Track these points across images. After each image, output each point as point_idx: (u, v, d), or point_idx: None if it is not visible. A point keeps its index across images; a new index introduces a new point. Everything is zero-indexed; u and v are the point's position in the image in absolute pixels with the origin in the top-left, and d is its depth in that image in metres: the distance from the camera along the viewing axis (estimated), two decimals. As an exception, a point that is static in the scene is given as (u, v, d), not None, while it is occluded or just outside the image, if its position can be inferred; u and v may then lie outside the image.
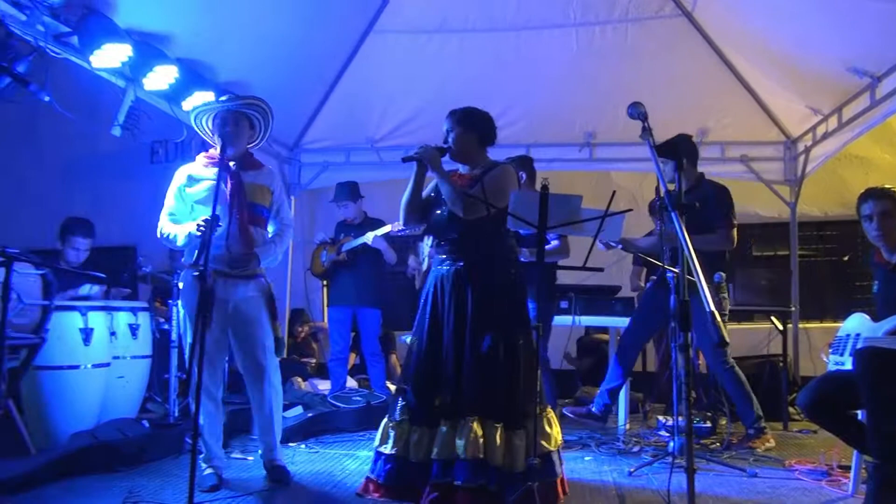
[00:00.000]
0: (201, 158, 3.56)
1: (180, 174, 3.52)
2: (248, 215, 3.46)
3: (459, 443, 2.92)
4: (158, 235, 3.51)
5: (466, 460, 2.88)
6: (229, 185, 3.43)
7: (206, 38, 4.53)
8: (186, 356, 3.46)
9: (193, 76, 4.45)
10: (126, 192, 7.77)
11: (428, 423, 3.03)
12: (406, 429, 3.06)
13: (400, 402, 3.14)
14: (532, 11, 5.45)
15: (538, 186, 3.16)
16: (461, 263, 3.14)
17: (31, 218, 7.30)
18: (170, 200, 3.52)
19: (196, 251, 3.26)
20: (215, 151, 3.48)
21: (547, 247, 4.21)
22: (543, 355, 4.41)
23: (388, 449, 3.05)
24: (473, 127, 3.27)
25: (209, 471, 3.45)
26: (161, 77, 4.11)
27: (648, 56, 5.67)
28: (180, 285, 3.58)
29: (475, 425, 2.94)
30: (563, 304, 4.80)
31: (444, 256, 3.20)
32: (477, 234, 3.14)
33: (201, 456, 3.45)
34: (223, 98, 3.69)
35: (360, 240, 5.34)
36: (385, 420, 3.13)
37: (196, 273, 3.19)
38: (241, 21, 4.59)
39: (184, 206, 3.48)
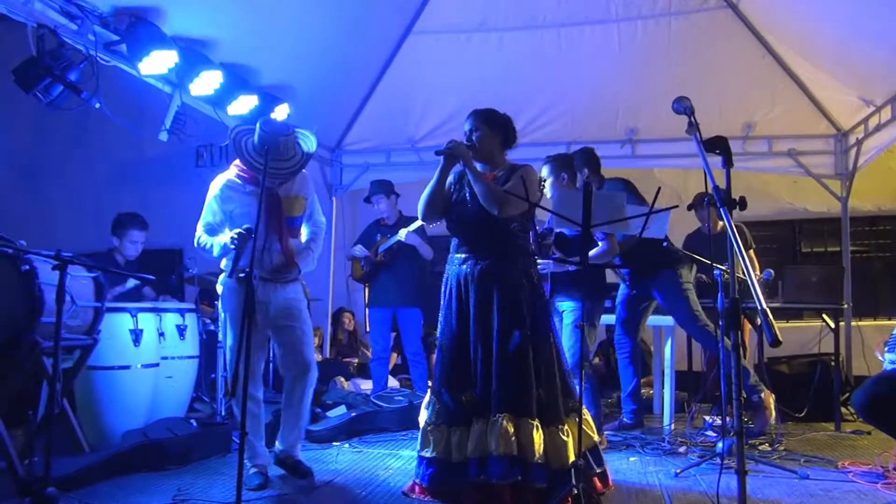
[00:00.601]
0: (235, 168, 3.54)
1: (215, 185, 3.54)
2: (286, 230, 3.52)
3: (492, 439, 2.93)
4: (195, 245, 3.56)
5: (499, 456, 2.89)
6: (266, 203, 3.41)
7: (249, 43, 4.61)
8: (228, 359, 3.50)
9: (237, 80, 4.53)
10: (172, 196, 7.94)
11: (466, 422, 3.04)
12: (445, 431, 3.06)
13: (435, 405, 3.13)
14: (573, 8, 5.42)
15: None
16: (487, 262, 3.13)
17: (82, 221, 7.54)
18: (207, 213, 3.55)
19: (231, 262, 3.32)
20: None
21: (596, 250, 4.20)
22: (587, 356, 4.36)
23: (429, 453, 3.06)
24: (498, 127, 3.28)
25: (254, 470, 3.50)
26: (206, 82, 4.20)
27: (692, 50, 5.57)
28: (219, 289, 3.60)
29: (506, 422, 2.95)
30: (608, 304, 4.76)
31: (466, 255, 3.18)
32: (503, 234, 3.15)
33: (246, 455, 3.51)
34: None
35: (394, 238, 5.38)
36: (423, 424, 3.14)
37: (241, 276, 3.23)
38: (282, 25, 4.66)
39: (220, 217, 3.51)
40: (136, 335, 4.07)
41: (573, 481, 2.67)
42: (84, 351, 3.72)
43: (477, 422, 3.00)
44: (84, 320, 3.70)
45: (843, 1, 4.44)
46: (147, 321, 4.18)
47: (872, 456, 3.76)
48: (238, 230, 3.25)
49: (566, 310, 4.29)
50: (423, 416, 3.20)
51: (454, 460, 3.00)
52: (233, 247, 3.27)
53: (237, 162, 3.53)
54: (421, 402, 5.11)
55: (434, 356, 6.33)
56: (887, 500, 3.17)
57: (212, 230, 3.53)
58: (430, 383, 5.53)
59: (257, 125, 3.43)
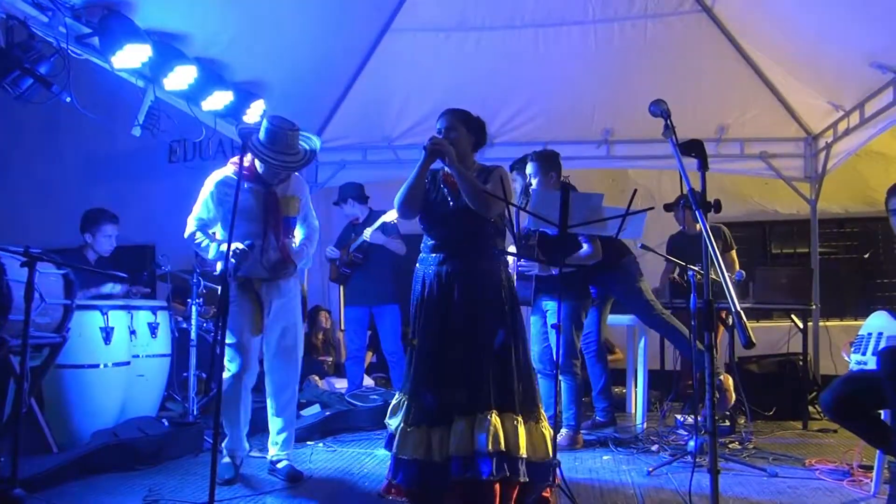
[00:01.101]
0: (233, 165, 3.52)
1: (211, 182, 3.51)
2: (283, 230, 3.54)
3: (481, 437, 2.91)
4: (187, 237, 3.54)
5: (489, 454, 2.87)
6: (265, 203, 3.48)
7: (224, 38, 4.55)
8: (229, 359, 3.50)
9: (212, 76, 4.48)
10: (144, 191, 7.85)
11: (447, 421, 3.00)
12: (425, 431, 3.01)
13: (411, 406, 3.08)
14: (550, 9, 5.44)
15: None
16: (468, 261, 3.13)
17: (50, 217, 7.40)
18: (200, 206, 3.53)
19: (226, 267, 3.31)
20: (248, 161, 3.48)
21: (581, 252, 4.25)
22: (574, 355, 4.41)
23: (408, 454, 3.00)
24: (473, 130, 3.26)
25: (227, 460, 3.51)
26: (181, 77, 4.14)
27: (667, 52, 5.63)
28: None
29: (494, 419, 2.95)
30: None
31: (445, 255, 3.15)
32: (482, 234, 3.16)
33: (223, 443, 3.52)
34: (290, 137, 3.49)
35: (361, 238, 5.40)
36: (401, 425, 3.06)
37: (237, 281, 3.39)
38: (258, 20, 4.61)
39: (215, 214, 3.50)
40: (107, 333, 4.01)
41: (551, 476, 2.70)
42: (53, 349, 3.64)
43: (459, 420, 2.97)
44: (53, 318, 3.62)
45: (814, 8, 4.52)
46: (118, 319, 4.11)
47: (839, 454, 3.84)
48: (240, 246, 3.28)
49: (550, 310, 4.32)
50: (394, 419, 3.14)
51: (435, 460, 2.97)
52: (233, 261, 3.27)
53: (234, 159, 3.51)
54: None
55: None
56: (853, 497, 3.24)
57: (204, 226, 3.53)
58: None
59: (264, 121, 3.44)
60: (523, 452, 2.93)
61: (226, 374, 3.47)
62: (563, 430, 4.31)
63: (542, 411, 3.11)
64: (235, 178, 3.33)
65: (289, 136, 3.40)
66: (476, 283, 3.10)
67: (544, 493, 3.01)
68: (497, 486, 2.87)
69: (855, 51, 4.61)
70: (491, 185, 3.11)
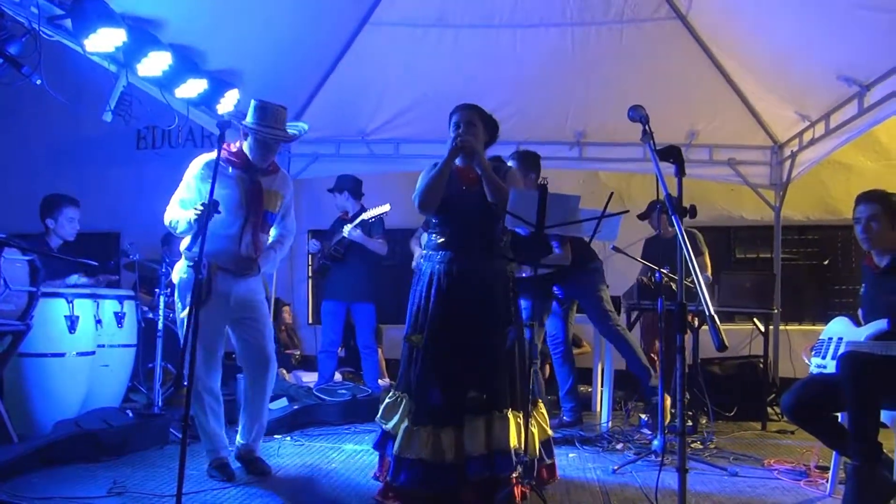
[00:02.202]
0: (220, 152, 3.41)
1: (197, 165, 3.43)
2: (260, 223, 3.48)
3: (501, 436, 2.93)
4: (167, 223, 3.43)
5: (508, 451, 2.90)
6: (248, 192, 3.42)
7: (200, 25, 4.48)
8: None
9: (187, 63, 4.40)
10: (111, 178, 7.70)
11: (457, 421, 2.97)
12: (431, 431, 2.96)
13: (412, 406, 3.03)
14: (529, 10, 5.46)
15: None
16: (481, 260, 3.14)
17: (13, 201, 7.19)
18: (183, 189, 3.43)
19: (192, 241, 3.25)
20: (235, 147, 3.47)
21: (551, 256, 4.29)
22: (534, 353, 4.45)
23: (413, 454, 2.93)
24: (489, 127, 3.27)
25: (214, 465, 3.44)
26: (154, 63, 4.06)
27: (642, 57, 5.71)
28: (176, 278, 3.48)
29: (511, 416, 2.98)
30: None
31: (456, 252, 3.12)
32: (494, 233, 3.18)
33: (207, 447, 3.46)
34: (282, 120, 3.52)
35: (340, 234, 5.39)
36: (405, 425, 2.99)
37: (191, 265, 3.21)
38: (235, 8, 4.55)
39: (198, 197, 3.37)
40: (72, 322, 3.94)
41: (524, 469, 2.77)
42: (16, 337, 3.58)
43: (474, 419, 2.95)
44: (17, 305, 3.56)
45: (785, 21, 4.62)
46: (84, 307, 4.04)
47: (796, 454, 3.95)
48: (203, 203, 3.12)
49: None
50: (391, 419, 3.08)
51: (448, 460, 2.92)
52: (194, 218, 3.18)
53: (226, 146, 3.42)
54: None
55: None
56: (808, 497, 3.34)
57: (184, 206, 3.39)
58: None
59: (252, 101, 3.47)
60: (523, 449, 2.95)
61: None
62: None
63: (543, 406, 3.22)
64: (223, 163, 3.27)
65: (278, 112, 3.41)
66: (488, 282, 3.11)
67: (524, 489, 3.01)
68: (515, 482, 2.90)
69: (822, 63, 4.73)
70: (508, 183, 3.12)
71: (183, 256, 3.43)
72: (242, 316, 3.48)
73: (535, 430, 3.10)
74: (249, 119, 3.41)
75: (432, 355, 3.06)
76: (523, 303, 4.25)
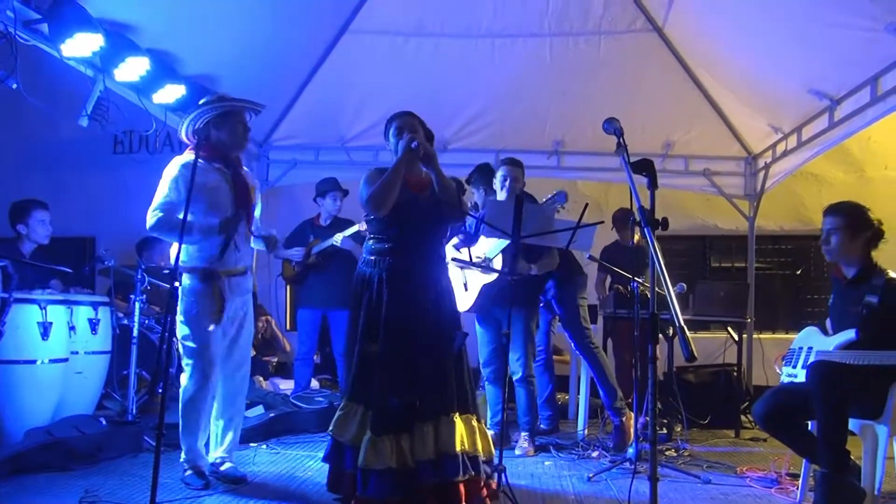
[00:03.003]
0: (192, 153, 3.35)
1: (175, 165, 3.36)
2: (249, 217, 3.48)
3: (449, 439, 2.94)
4: (151, 226, 3.29)
5: (457, 455, 2.92)
6: (234, 185, 3.40)
7: (178, 30, 4.46)
8: (185, 360, 3.37)
9: (164, 68, 4.39)
10: (87, 182, 7.60)
11: (409, 427, 2.98)
12: (393, 439, 2.95)
13: (379, 414, 3.00)
14: (508, 20, 5.51)
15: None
16: (429, 264, 3.16)
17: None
18: (168, 192, 3.31)
19: (209, 254, 3.28)
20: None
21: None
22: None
23: (382, 465, 2.90)
24: (428, 135, 3.30)
25: (189, 472, 3.39)
26: (132, 68, 4.04)
27: (618, 68, 5.78)
28: (180, 285, 3.40)
29: (458, 420, 3.00)
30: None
31: (404, 257, 3.12)
32: (441, 237, 3.21)
33: (182, 456, 3.41)
34: (227, 99, 3.52)
35: (329, 241, 5.35)
36: (368, 436, 2.95)
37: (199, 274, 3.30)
38: (214, 13, 4.53)
39: (184, 197, 3.19)
40: (45, 328, 3.88)
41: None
42: (-13, 343, 3.53)
43: (424, 424, 2.96)
44: (-12, 311, 3.51)
45: (758, 35, 4.72)
46: (57, 314, 3.99)
47: (768, 462, 4.00)
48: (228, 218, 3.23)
49: (504, 318, 4.36)
50: (345, 430, 3.05)
51: (409, 467, 2.93)
52: (224, 234, 3.22)
53: (192, 148, 3.40)
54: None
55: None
56: (779, 504, 3.40)
57: (171, 210, 3.28)
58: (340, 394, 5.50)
59: (202, 100, 3.49)
60: (480, 451, 3.01)
61: (186, 379, 3.35)
62: (524, 435, 4.38)
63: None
64: (201, 160, 3.19)
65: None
66: (437, 287, 3.13)
67: (482, 493, 3.04)
68: (462, 487, 2.92)
69: (794, 77, 4.84)
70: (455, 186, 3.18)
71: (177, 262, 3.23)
72: (233, 317, 3.46)
73: (476, 426, 3.13)
74: (203, 103, 3.40)
75: (389, 363, 3.03)
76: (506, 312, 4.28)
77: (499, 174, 4.38)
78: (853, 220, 3.19)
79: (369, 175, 3.18)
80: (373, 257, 3.16)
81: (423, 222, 3.16)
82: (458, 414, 3.03)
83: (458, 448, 2.93)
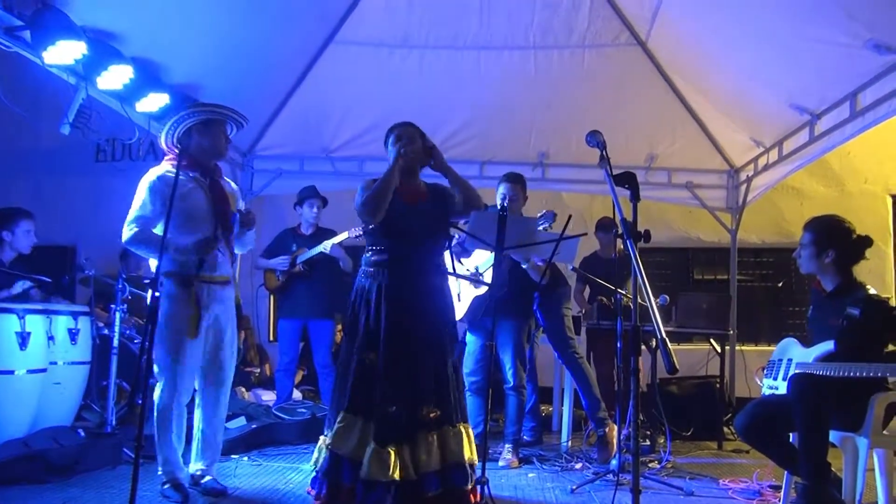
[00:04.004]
0: (169, 163, 3.39)
1: (151, 176, 3.34)
2: (229, 225, 3.46)
3: (457, 448, 2.97)
4: (127, 239, 3.27)
5: (463, 464, 2.97)
6: (212, 195, 3.39)
7: (163, 39, 4.44)
8: (158, 373, 3.31)
9: (148, 77, 4.36)
10: (68, 190, 7.53)
11: (411, 437, 2.99)
12: (394, 450, 2.94)
13: (380, 424, 2.98)
14: (493, 32, 5.54)
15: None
16: (430, 276, 3.17)
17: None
18: (139, 204, 3.30)
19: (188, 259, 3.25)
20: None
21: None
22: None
23: (387, 476, 2.88)
24: (428, 146, 3.37)
25: (168, 485, 3.32)
26: (115, 76, 4.01)
27: (602, 81, 5.82)
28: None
29: (462, 429, 3.03)
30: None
31: (407, 268, 3.14)
32: (440, 247, 3.22)
33: (160, 472, 3.36)
34: (211, 107, 3.51)
35: (317, 249, 5.32)
36: (371, 447, 2.95)
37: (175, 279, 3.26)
38: (198, 22, 4.51)
39: (160, 209, 3.25)
40: (23, 338, 3.83)
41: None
42: (-37, 354, 3.47)
43: (428, 435, 2.97)
44: (-35, 321, 3.45)
45: (740, 50, 4.78)
46: (35, 323, 3.93)
47: (750, 474, 4.02)
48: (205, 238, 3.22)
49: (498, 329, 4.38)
50: (344, 442, 3.04)
51: (411, 478, 2.93)
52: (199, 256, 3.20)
53: (170, 157, 3.41)
54: (324, 415, 5.06)
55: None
56: (762, 516, 3.42)
57: (146, 224, 3.28)
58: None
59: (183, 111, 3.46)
60: (476, 460, 3.06)
61: (158, 389, 3.31)
62: (507, 447, 4.37)
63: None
64: (175, 170, 3.11)
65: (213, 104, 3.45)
66: (435, 298, 3.15)
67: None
68: (471, 495, 2.97)
69: (776, 91, 4.90)
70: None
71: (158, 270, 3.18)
72: (218, 327, 3.41)
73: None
74: (188, 107, 3.40)
75: (389, 373, 3.04)
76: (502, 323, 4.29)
77: (499, 191, 4.40)
78: (818, 237, 3.23)
79: (365, 183, 3.23)
80: (371, 269, 3.20)
81: (420, 233, 3.18)
82: (462, 423, 3.08)
83: (467, 456, 2.99)
